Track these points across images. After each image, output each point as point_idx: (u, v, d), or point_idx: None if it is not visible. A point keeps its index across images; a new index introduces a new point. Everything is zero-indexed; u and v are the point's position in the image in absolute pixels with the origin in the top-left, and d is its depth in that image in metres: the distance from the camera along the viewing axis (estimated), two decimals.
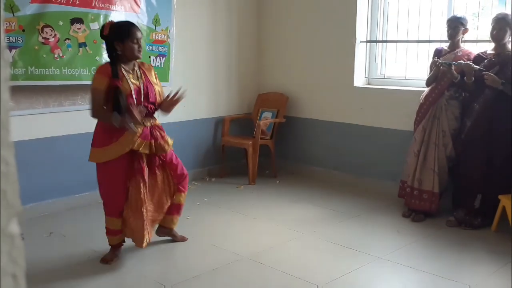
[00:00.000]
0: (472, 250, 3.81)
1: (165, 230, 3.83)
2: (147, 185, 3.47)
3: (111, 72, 3.31)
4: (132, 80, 3.37)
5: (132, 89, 3.35)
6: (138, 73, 3.45)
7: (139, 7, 4.83)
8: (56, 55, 4.31)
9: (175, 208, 3.74)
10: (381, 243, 3.96)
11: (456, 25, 4.31)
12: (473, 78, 4.12)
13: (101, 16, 4.55)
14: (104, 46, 4.55)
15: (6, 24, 3.99)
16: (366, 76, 5.49)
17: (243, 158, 5.88)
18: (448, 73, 4.23)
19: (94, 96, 3.35)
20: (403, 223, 4.36)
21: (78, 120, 4.65)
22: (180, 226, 3.96)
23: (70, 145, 4.64)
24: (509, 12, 4.15)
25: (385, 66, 5.42)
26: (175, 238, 3.89)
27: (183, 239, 3.91)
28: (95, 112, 3.37)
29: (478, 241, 3.97)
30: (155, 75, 3.61)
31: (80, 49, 4.45)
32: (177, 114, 4.74)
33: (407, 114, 4.77)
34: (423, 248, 3.89)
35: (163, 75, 5.14)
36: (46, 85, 4.33)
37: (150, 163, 3.52)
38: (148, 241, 3.50)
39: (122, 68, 3.36)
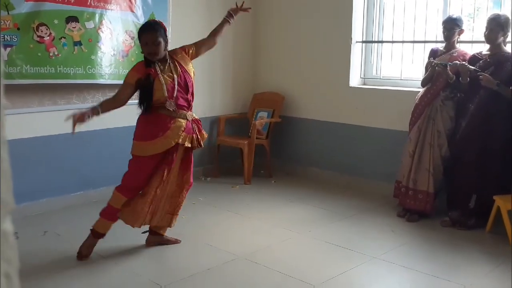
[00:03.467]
0: (467, 250, 3.82)
1: (156, 238, 3.82)
2: (170, 177, 3.55)
3: (144, 66, 3.45)
4: (166, 76, 3.44)
5: (165, 85, 3.41)
6: (172, 65, 3.50)
7: (134, 5, 4.82)
8: (51, 54, 4.29)
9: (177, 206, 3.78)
10: (376, 243, 3.96)
11: (451, 26, 4.32)
12: (468, 78, 4.14)
13: (97, 15, 4.53)
14: (99, 45, 4.58)
15: (1, 22, 3.97)
16: (362, 76, 5.49)
17: (239, 158, 5.88)
18: (444, 73, 4.24)
19: (119, 88, 3.53)
20: (398, 223, 4.37)
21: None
22: (175, 225, 3.96)
23: (65, 144, 4.62)
24: (502, 13, 4.17)
25: (381, 67, 5.43)
26: (168, 243, 3.84)
27: (177, 241, 3.88)
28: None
29: (473, 241, 3.98)
30: (189, 52, 3.66)
31: (75, 47, 4.44)
32: None
33: (402, 115, 4.77)
34: (418, 248, 3.90)
35: None
36: (41, 83, 4.32)
37: (183, 157, 3.62)
38: (144, 223, 3.61)
39: (156, 65, 3.46)
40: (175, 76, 3.47)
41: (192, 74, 3.61)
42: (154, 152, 3.45)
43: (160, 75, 3.42)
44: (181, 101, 3.49)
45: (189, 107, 3.56)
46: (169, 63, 3.50)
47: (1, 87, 0.54)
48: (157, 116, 3.46)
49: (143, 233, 3.81)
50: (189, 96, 3.55)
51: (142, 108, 3.47)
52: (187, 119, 3.53)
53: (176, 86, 3.45)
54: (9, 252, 0.51)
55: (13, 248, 0.53)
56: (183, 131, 3.48)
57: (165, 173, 3.50)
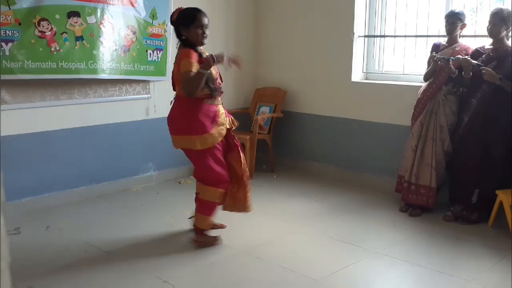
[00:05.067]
0: (469, 244, 3.82)
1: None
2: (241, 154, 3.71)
3: (196, 54, 3.43)
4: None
5: (215, 71, 3.54)
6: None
7: (136, 0, 4.81)
8: (52, 49, 4.29)
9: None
10: (378, 237, 3.96)
11: (454, 20, 4.30)
12: (471, 73, 4.12)
13: (98, 10, 4.52)
14: (101, 40, 4.58)
15: (2, 17, 3.97)
16: (364, 71, 5.48)
17: None
18: (446, 68, 4.23)
19: (196, 77, 3.33)
20: (400, 218, 4.36)
21: (74, 114, 4.64)
22: (178, 220, 3.97)
23: (67, 139, 4.63)
24: (504, 7, 4.15)
25: (383, 61, 5.41)
26: (215, 227, 3.94)
27: (222, 226, 4.02)
28: (194, 85, 3.35)
29: (475, 236, 3.97)
30: None
31: (77, 42, 4.43)
32: None
33: (405, 109, 4.76)
34: (420, 243, 3.90)
35: (160, 69, 5.13)
36: (43, 79, 4.31)
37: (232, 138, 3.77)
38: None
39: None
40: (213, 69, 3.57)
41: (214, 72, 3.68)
42: (216, 141, 3.55)
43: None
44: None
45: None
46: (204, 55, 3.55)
47: None
48: (204, 107, 3.49)
49: (190, 218, 4.02)
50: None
51: (214, 94, 3.51)
52: (222, 104, 3.69)
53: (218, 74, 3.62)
54: (1, 246, 0.50)
55: (4, 241, 0.53)
56: (225, 116, 3.65)
57: (240, 154, 3.68)
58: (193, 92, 3.35)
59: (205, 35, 3.47)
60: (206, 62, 3.34)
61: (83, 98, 4.68)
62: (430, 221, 4.29)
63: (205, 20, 3.46)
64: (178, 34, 3.53)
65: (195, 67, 3.34)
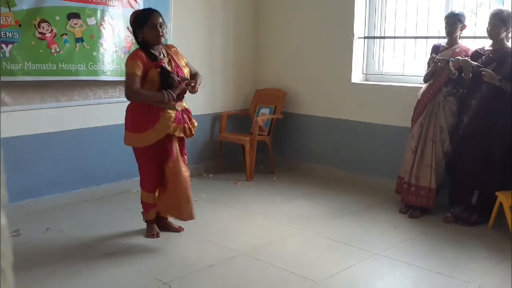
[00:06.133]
0: (469, 246, 3.81)
1: (163, 222, 4.01)
2: (180, 164, 3.65)
3: (147, 56, 3.47)
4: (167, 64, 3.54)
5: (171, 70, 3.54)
6: (166, 58, 3.60)
7: (136, 2, 4.82)
8: (53, 51, 4.29)
9: None
10: (378, 239, 3.96)
11: (454, 22, 4.31)
12: (470, 74, 4.12)
13: (98, 11, 4.53)
14: (101, 41, 4.58)
15: (3, 19, 3.97)
16: (364, 72, 5.48)
17: (241, 154, 5.87)
18: (446, 69, 4.23)
19: (131, 80, 3.45)
20: (400, 219, 4.36)
21: (75, 115, 4.64)
22: (177, 222, 3.97)
23: (67, 140, 4.63)
24: (504, 8, 4.15)
25: (383, 62, 5.41)
26: (170, 228, 3.99)
27: (180, 229, 3.99)
28: (135, 95, 3.47)
29: (475, 237, 3.97)
30: (181, 57, 3.76)
31: (77, 44, 4.43)
32: None
33: (405, 110, 4.76)
34: (420, 245, 3.90)
35: None
36: (43, 80, 4.32)
37: (180, 146, 3.72)
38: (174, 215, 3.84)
39: (158, 54, 3.54)
40: (170, 67, 3.57)
41: (185, 71, 3.69)
42: (146, 143, 3.56)
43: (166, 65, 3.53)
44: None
45: (181, 99, 3.65)
46: (163, 55, 3.59)
47: None
48: (148, 107, 3.52)
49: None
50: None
51: (167, 106, 3.54)
52: (177, 110, 3.60)
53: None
54: (3, 246, 0.51)
55: (7, 243, 0.53)
56: (173, 122, 3.55)
57: (176, 162, 3.60)
58: (130, 99, 3.53)
59: (160, 33, 3.48)
60: (157, 95, 3.46)
61: (83, 99, 4.68)
62: (430, 222, 4.28)
63: (159, 19, 3.48)
64: (136, 37, 3.58)
65: (138, 70, 3.43)
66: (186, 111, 3.71)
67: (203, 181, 5.48)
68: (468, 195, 4.21)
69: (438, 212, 4.40)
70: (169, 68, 3.54)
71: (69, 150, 4.66)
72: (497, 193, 4.02)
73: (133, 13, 3.63)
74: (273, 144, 5.83)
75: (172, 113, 3.56)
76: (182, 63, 3.70)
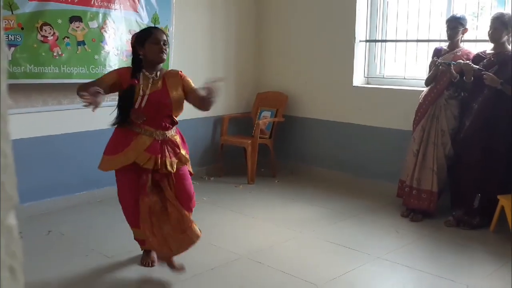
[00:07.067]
0: (470, 250, 3.81)
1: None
2: (157, 200, 3.23)
3: (130, 73, 3.16)
4: (143, 88, 3.16)
5: (138, 96, 3.14)
6: (159, 83, 3.20)
7: (138, 5, 4.83)
8: (55, 54, 4.30)
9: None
10: (380, 242, 3.95)
11: (455, 25, 4.31)
12: (472, 77, 4.13)
13: (100, 15, 4.54)
14: (102, 45, 4.59)
15: (5, 22, 3.98)
16: (365, 75, 5.49)
17: (242, 157, 5.88)
18: (448, 72, 4.23)
19: (96, 80, 3.19)
20: (402, 223, 4.36)
21: (77, 118, 4.64)
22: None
23: (69, 143, 4.64)
24: (506, 12, 4.16)
25: (384, 66, 5.42)
26: (170, 266, 3.34)
27: (182, 267, 3.32)
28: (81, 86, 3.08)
29: (477, 241, 3.97)
30: (183, 83, 3.27)
31: (79, 47, 4.45)
32: None
33: (406, 114, 4.77)
34: (422, 248, 3.89)
35: None
36: (45, 83, 4.33)
37: (157, 179, 3.24)
38: (169, 255, 3.28)
39: (142, 74, 3.19)
40: (149, 92, 3.16)
41: (175, 97, 3.22)
42: (112, 168, 3.23)
43: (142, 85, 3.16)
44: (155, 118, 3.18)
45: (163, 127, 3.20)
46: (154, 79, 3.21)
47: (3, 85, 0.54)
48: (126, 131, 3.20)
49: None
50: (161, 117, 3.19)
51: (118, 116, 3.21)
52: (154, 138, 3.17)
53: (143, 102, 3.15)
54: (13, 246, 0.51)
55: (17, 243, 0.53)
56: (144, 150, 3.14)
57: (146, 197, 3.19)
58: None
59: (163, 50, 3.15)
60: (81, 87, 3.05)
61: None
62: (432, 226, 4.28)
63: (162, 36, 3.19)
64: (135, 54, 3.23)
65: (108, 77, 3.19)
66: (171, 142, 3.23)
67: (205, 184, 5.48)
68: (469, 198, 4.21)
69: (439, 216, 4.39)
70: (143, 93, 3.15)
71: (71, 153, 4.66)
72: (498, 197, 4.02)
73: (133, 35, 3.31)
74: (274, 147, 5.84)
75: (147, 140, 3.15)
76: (173, 94, 3.21)
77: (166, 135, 3.22)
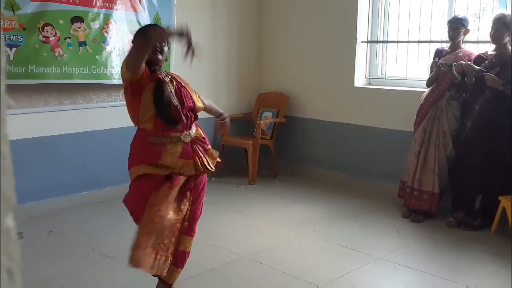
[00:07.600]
0: (472, 251, 3.81)
1: (163, 286, 3.03)
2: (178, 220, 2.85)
3: (145, 66, 2.70)
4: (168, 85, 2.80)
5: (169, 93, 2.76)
6: (174, 82, 2.86)
7: (139, 6, 4.83)
8: (56, 54, 4.31)
9: (180, 258, 2.98)
10: (381, 243, 3.95)
11: (457, 26, 4.31)
12: (473, 78, 4.12)
13: (102, 15, 4.55)
14: (104, 45, 4.59)
15: (7, 22, 3.99)
16: (367, 76, 5.48)
17: (243, 158, 5.88)
18: (449, 73, 4.23)
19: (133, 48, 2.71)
20: (403, 224, 4.36)
21: (78, 119, 4.65)
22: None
23: (70, 144, 4.64)
24: (507, 13, 4.15)
25: (386, 67, 5.42)
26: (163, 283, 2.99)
27: None
28: (128, 57, 2.68)
29: (478, 242, 3.96)
30: (191, 89, 2.97)
31: (81, 48, 4.45)
32: None
33: (408, 115, 4.76)
34: (423, 249, 3.89)
35: None
36: (46, 83, 4.33)
37: (184, 184, 2.82)
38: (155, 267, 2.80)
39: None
40: (171, 86, 2.83)
41: (197, 103, 2.89)
42: (142, 172, 2.72)
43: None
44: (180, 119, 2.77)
45: (188, 126, 2.81)
46: (168, 79, 2.86)
47: (2, 86, 0.54)
48: (147, 144, 2.74)
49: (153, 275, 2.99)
50: (186, 112, 2.80)
51: (165, 118, 2.71)
52: (183, 142, 2.77)
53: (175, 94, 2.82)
54: (11, 248, 0.51)
55: (15, 244, 0.53)
56: (179, 158, 2.73)
57: (169, 215, 2.75)
58: (127, 62, 2.63)
59: (158, 51, 2.75)
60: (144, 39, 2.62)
61: (87, 103, 4.70)
62: (433, 227, 4.28)
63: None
64: None
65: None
66: (198, 140, 2.86)
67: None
68: (471, 199, 4.20)
69: (441, 217, 4.39)
70: (171, 87, 2.80)
71: (72, 153, 4.67)
72: (500, 198, 4.02)
73: (135, 31, 2.94)
74: (275, 148, 5.83)
75: (178, 147, 2.73)
76: (193, 95, 2.90)
77: (192, 134, 2.82)
